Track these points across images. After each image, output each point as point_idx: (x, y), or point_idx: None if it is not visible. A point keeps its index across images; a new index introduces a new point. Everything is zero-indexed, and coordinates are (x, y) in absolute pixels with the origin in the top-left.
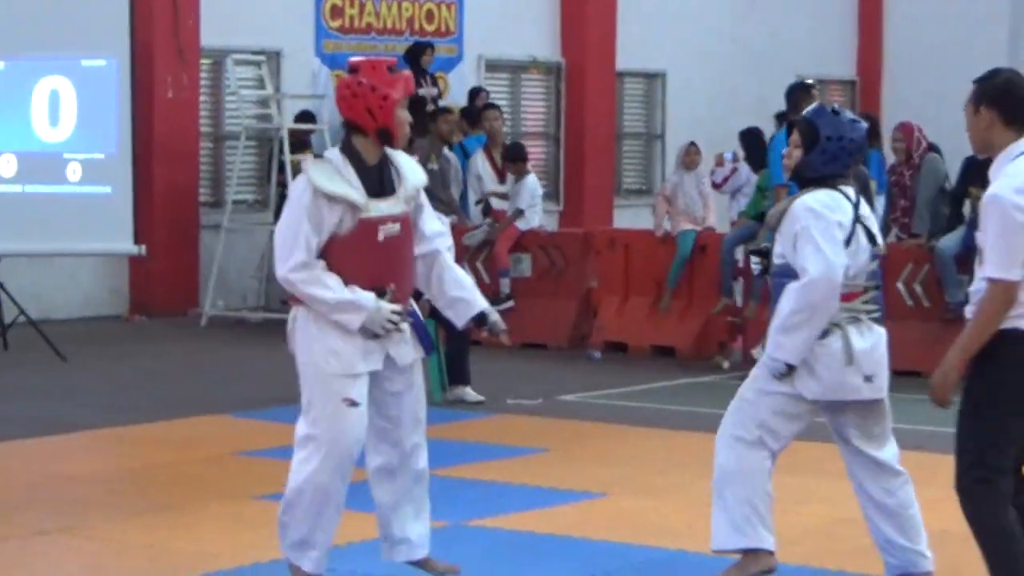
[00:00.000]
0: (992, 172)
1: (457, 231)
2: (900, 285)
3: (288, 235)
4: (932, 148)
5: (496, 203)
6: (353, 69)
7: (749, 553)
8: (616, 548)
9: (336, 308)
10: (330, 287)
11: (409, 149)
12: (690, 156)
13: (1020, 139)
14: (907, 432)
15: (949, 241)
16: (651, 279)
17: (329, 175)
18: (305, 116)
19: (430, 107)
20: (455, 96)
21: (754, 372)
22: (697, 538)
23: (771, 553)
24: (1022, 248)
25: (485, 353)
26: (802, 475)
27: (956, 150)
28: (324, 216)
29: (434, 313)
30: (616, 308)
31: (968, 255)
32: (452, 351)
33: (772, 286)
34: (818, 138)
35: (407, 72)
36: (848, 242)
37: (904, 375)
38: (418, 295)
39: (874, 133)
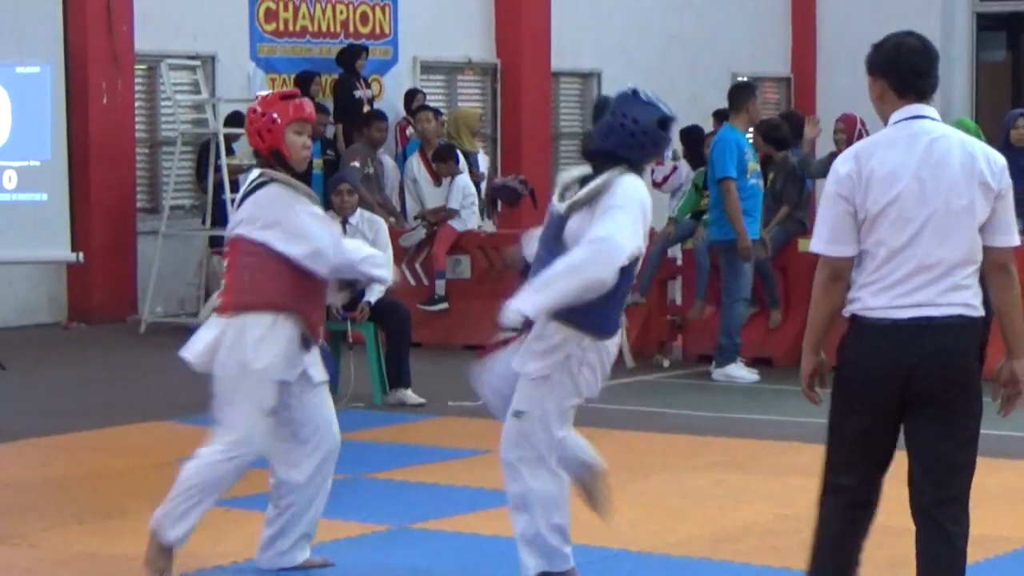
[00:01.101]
0: None
1: (394, 233)
2: None
3: (320, 228)
4: None
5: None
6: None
7: None
8: None
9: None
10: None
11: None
12: None
13: (911, 106)
14: None
15: None
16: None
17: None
18: (235, 119)
19: (366, 108)
20: (390, 99)
21: None
22: (640, 537)
23: None
24: (839, 221)
25: (425, 356)
26: (742, 473)
27: None
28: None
29: (374, 316)
30: None
31: None
32: (392, 354)
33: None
34: None
35: (303, 100)
36: None
37: None
38: (354, 303)
39: (798, 132)
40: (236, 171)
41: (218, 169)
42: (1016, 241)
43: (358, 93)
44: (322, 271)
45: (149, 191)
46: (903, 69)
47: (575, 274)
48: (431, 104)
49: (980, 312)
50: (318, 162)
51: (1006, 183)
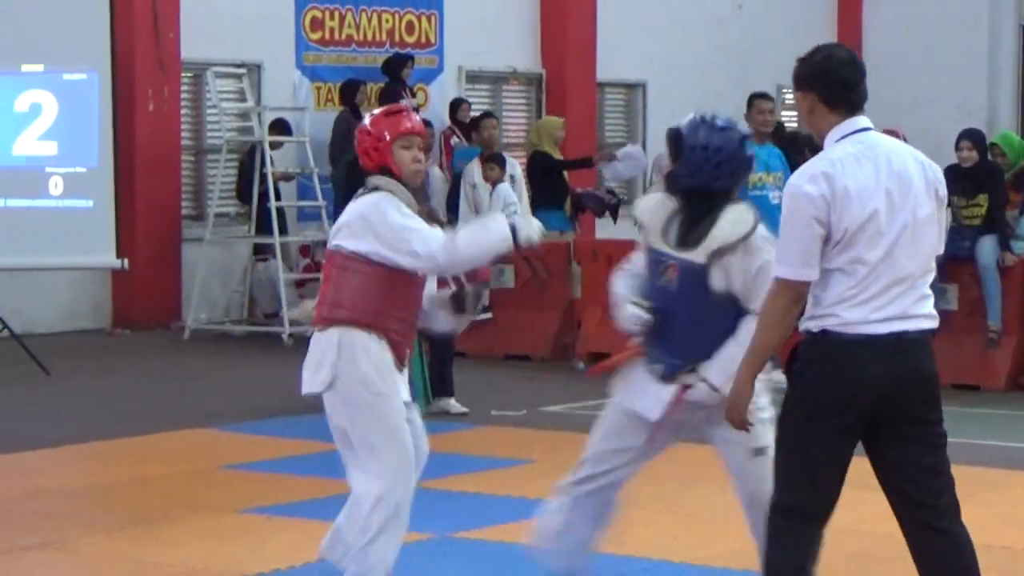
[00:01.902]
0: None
1: None
2: None
3: (408, 220)
4: None
5: None
6: None
7: None
8: (601, 559)
9: (493, 234)
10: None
11: None
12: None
13: (844, 122)
14: None
15: None
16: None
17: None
18: (278, 126)
19: None
20: (435, 108)
21: None
22: (681, 548)
23: None
24: (810, 244)
25: (468, 364)
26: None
27: (935, 158)
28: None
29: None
30: (600, 319)
31: (949, 263)
32: (435, 363)
33: (681, 305)
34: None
35: (408, 113)
36: None
37: None
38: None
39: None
40: (282, 178)
41: (264, 178)
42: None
43: (403, 102)
44: (428, 270)
45: (194, 198)
46: (833, 82)
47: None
48: (491, 112)
49: (937, 320)
50: None
51: (946, 194)
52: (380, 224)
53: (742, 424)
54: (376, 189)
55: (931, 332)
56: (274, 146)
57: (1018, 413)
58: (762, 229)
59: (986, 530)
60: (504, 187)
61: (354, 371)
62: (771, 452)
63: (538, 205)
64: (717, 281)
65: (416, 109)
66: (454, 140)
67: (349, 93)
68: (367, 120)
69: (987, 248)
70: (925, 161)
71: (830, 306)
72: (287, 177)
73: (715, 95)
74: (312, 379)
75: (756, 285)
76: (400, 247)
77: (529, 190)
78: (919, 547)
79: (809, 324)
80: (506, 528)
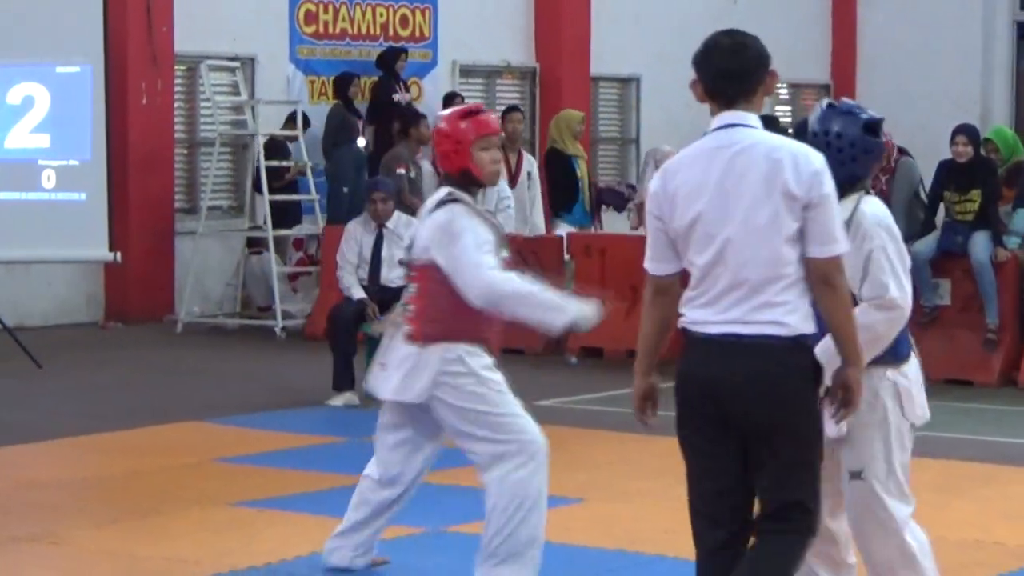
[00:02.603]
0: None
1: None
2: None
3: (476, 252)
4: (902, 152)
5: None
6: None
7: None
8: (593, 553)
9: (543, 307)
10: (528, 287)
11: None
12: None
13: (722, 113)
14: None
15: (923, 245)
16: (627, 284)
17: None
18: (294, 118)
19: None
20: (429, 102)
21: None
22: (674, 543)
23: None
24: (655, 238)
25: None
26: None
27: (930, 153)
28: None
29: None
30: None
31: (942, 258)
32: None
33: None
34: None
35: (486, 115)
36: None
37: None
38: (389, 306)
39: None
40: (298, 172)
41: (258, 172)
42: (840, 250)
43: (397, 96)
44: (472, 301)
45: (187, 192)
46: (711, 71)
47: (874, 344)
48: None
49: (799, 330)
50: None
51: (820, 191)
52: (452, 243)
53: (638, 419)
54: (454, 200)
55: (776, 339)
56: (291, 139)
57: (1011, 408)
58: (876, 213)
59: (979, 526)
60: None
61: (460, 378)
62: None
63: (556, 200)
64: None
65: (409, 103)
66: None
67: (343, 86)
68: (443, 122)
69: (980, 244)
70: (788, 161)
71: (684, 304)
72: (302, 171)
73: None
74: (405, 388)
75: (868, 269)
76: (454, 269)
77: (546, 184)
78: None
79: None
80: None
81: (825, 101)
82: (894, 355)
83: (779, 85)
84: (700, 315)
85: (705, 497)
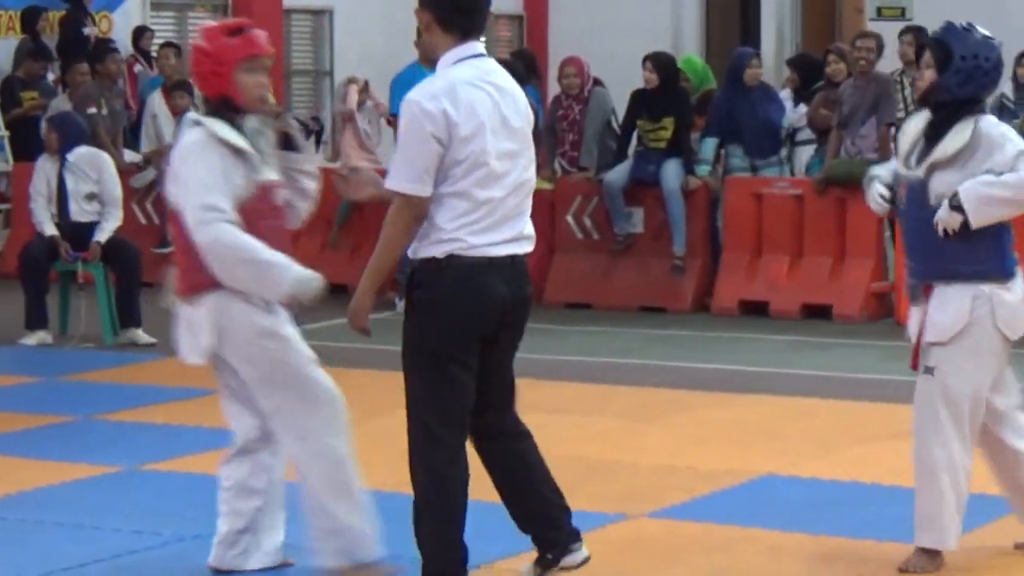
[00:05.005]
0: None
1: (124, 173)
2: (570, 218)
3: (203, 192)
4: (596, 82)
5: None
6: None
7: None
8: (290, 486)
9: (264, 265)
10: (251, 243)
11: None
12: (359, 95)
13: (463, 44)
14: (576, 364)
15: (616, 174)
16: (321, 218)
17: (228, 130)
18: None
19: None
20: (119, 36)
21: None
22: (373, 474)
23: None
24: (429, 161)
25: (156, 295)
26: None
27: (622, 82)
28: (232, 175)
29: (104, 257)
30: (317, 251)
31: (634, 187)
32: (122, 294)
33: (908, 224)
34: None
35: (254, 33)
36: None
37: (575, 307)
38: (84, 244)
39: (531, 69)
40: (36, 108)
41: None
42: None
43: (87, 30)
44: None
45: None
46: (446, 4)
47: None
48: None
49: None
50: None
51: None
52: (178, 178)
53: (362, 331)
54: (198, 125)
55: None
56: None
57: (704, 334)
58: (994, 129)
59: (673, 451)
60: (192, 116)
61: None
62: None
63: None
64: (936, 196)
65: (99, 37)
66: (137, 68)
67: (31, 20)
68: (204, 39)
69: (671, 172)
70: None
71: (455, 231)
72: (41, 107)
73: (405, 22)
74: (190, 348)
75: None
76: (180, 208)
77: None
78: (497, 452)
79: (432, 250)
80: (194, 459)
81: (961, 24)
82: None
83: None
84: (482, 239)
85: (478, 419)
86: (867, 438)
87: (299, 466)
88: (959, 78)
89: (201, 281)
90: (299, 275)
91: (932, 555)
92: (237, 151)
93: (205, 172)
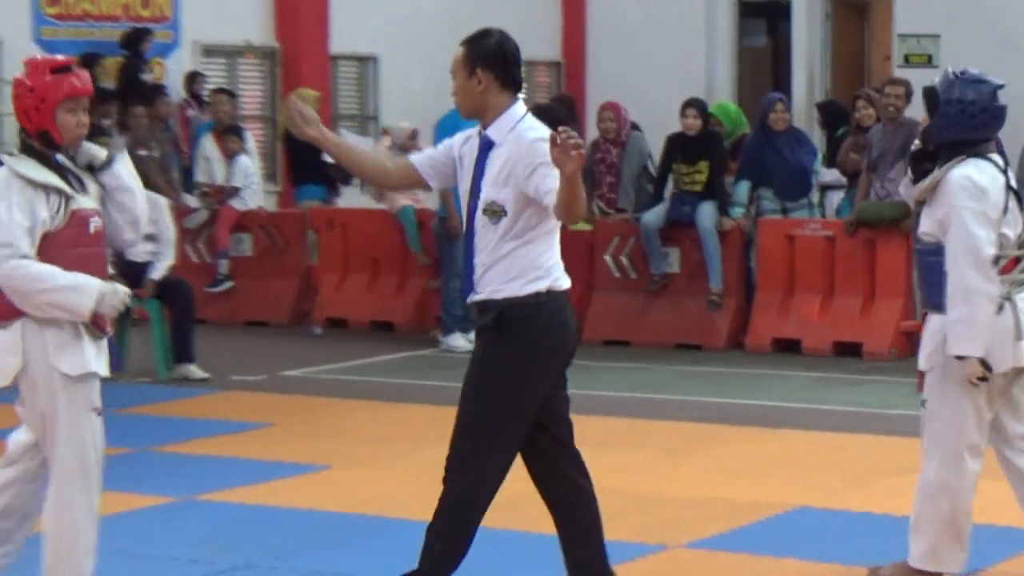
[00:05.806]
0: (493, 135)
1: (178, 214)
2: (607, 258)
3: (9, 226)
4: (633, 127)
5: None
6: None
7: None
8: (342, 517)
9: (64, 290)
10: (48, 272)
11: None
12: (412, 140)
13: (515, 103)
14: (614, 399)
15: (652, 215)
16: (369, 257)
17: (33, 167)
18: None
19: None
20: (172, 82)
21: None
22: (421, 506)
23: None
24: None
25: (209, 331)
26: None
27: (657, 127)
28: (36, 209)
29: (158, 294)
30: (336, 285)
31: (670, 228)
32: (176, 330)
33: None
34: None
35: (78, 72)
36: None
37: (613, 344)
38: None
39: (571, 113)
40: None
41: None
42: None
43: (144, 76)
44: None
45: None
46: (509, 65)
47: (970, 302)
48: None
49: None
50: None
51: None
52: None
53: (298, 112)
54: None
55: None
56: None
57: (738, 371)
58: (956, 198)
59: (709, 483)
60: (244, 159)
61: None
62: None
63: (297, 178)
64: (924, 227)
65: (159, 86)
66: (190, 112)
67: (88, 66)
68: (27, 72)
69: (706, 213)
70: None
71: (551, 267)
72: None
73: (446, 67)
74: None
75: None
76: None
77: (286, 161)
78: (569, 497)
79: (535, 285)
80: (247, 490)
81: (951, 70)
82: None
83: None
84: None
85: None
86: (897, 472)
87: (48, 527)
88: (943, 122)
89: (11, 309)
90: (101, 290)
91: None
92: (44, 186)
93: (3, 211)
